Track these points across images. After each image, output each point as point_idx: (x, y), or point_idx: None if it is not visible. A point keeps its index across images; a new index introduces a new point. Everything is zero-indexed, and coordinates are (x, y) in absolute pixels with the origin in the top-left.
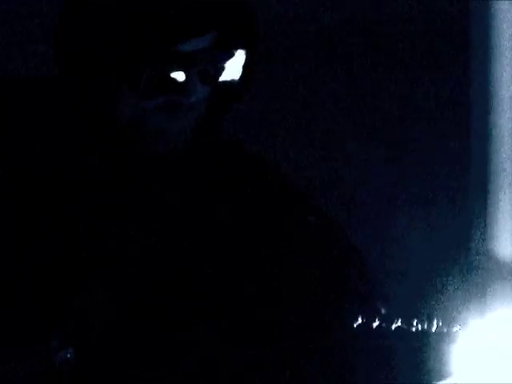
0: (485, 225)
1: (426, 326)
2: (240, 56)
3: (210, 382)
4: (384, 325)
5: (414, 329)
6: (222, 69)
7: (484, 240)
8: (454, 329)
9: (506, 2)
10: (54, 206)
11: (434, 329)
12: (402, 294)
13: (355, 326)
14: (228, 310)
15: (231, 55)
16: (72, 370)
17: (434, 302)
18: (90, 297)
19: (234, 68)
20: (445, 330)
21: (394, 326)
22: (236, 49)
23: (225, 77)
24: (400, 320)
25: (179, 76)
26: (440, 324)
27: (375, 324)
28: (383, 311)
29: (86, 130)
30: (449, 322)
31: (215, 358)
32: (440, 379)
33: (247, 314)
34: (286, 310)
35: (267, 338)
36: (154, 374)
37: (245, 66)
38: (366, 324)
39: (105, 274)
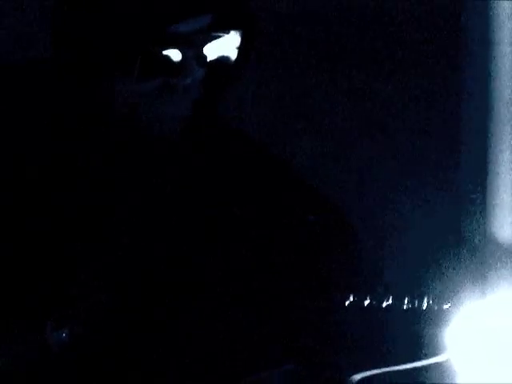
0: (484, 207)
1: (417, 304)
2: (235, 38)
3: (209, 363)
4: (374, 303)
5: (404, 306)
6: (218, 50)
7: (483, 222)
8: (447, 307)
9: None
10: (50, 190)
11: (425, 307)
12: (399, 276)
13: (346, 303)
14: (227, 287)
15: (226, 37)
16: (67, 351)
17: (429, 281)
18: (87, 277)
19: (229, 50)
20: (437, 308)
21: (384, 304)
22: (231, 30)
23: (220, 58)
24: (390, 298)
25: (175, 57)
26: (432, 302)
27: (366, 302)
28: (378, 290)
29: (82, 112)
30: (442, 300)
31: (215, 338)
32: (432, 357)
33: (245, 290)
34: (283, 288)
35: (265, 314)
36: (151, 355)
37: (240, 48)
38: (358, 302)
39: (102, 255)
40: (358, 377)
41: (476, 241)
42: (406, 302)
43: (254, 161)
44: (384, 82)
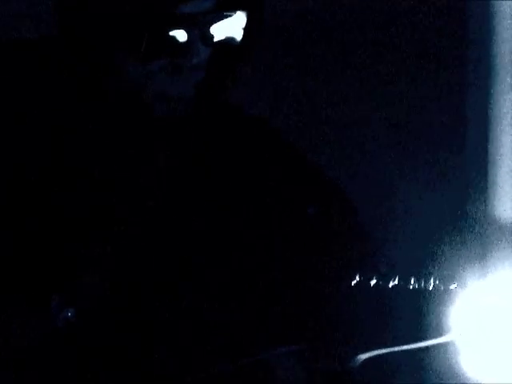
0: (485, 186)
1: (423, 285)
2: (241, 18)
3: (209, 343)
4: (381, 283)
5: (411, 287)
6: (223, 31)
7: (484, 202)
8: (452, 287)
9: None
10: (54, 170)
11: (431, 287)
12: (401, 255)
13: (353, 284)
14: (227, 271)
15: (232, 17)
16: (72, 330)
17: (433, 262)
18: (92, 256)
19: (234, 30)
20: (442, 289)
21: (391, 284)
22: (237, 11)
23: (226, 39)
24: (397, 278)
25: (181, 37)
26: (437, 283)
27: (373, 282)
28: (383, 270)
29: (87, 91)
30: (447, 281)
31: (216, 319)
32: (437, 337)
33: (245, 275)
34: (285, 269)
35: (266, 298)
36: (153, 334)
37: (246, 29)
38: (364, 282)
39: (106, 234)
40: (363, 356)
41: (478, 221)
42: (412, 282)
43: (257, 144)
44: (387, 65)
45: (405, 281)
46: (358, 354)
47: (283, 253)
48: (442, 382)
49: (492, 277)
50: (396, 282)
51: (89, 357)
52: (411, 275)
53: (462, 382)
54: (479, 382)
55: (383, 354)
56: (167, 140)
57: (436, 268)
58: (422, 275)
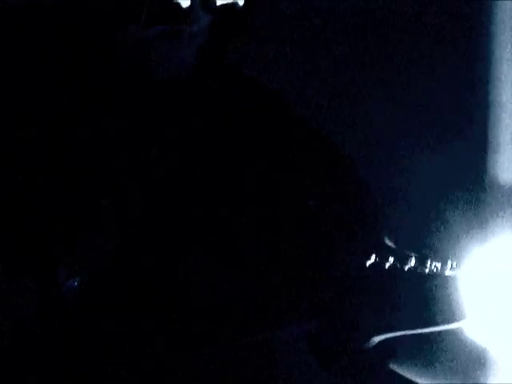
0: (486, 155)
1: (440, 268)
2: None
3: (227, 320)
4: (398, 265)
5: (427, 270)
6: None
7: (487, 171)
8: (464, 272)
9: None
10: (58, 135)
11: (447, 271)
12: (406, 226)
13: (367, 265)
14: (232, 239)
15: None
16: (77, 298)
17: (439, 236)
18: (99, 224)
19: None
20: (458, 273)
21: (407, 267)
22: None
23: (226, 6)
24: (414, 261)
25: (182, 3)
26: (454, 266)
27: (388, 264)
28: (394, 248)
29: (88, 58)
30: (461, 265)
31: (234, 294)
32: (449, 321)
33: (254, 254)
34: (295, 250)
35: (276, 279)
36: (158, 303)
37: None
38: (379, 264)
39: (112, 201)
40: (377, 339)
41: (480, 190)
42: (428, 265)
43: (259, 109)
44: (390, 25)
45: (421, 264)
46: (371, 337)
47: (293, 231)
48: (454, 365)
49: (496, 246)
50: (412, 264)
51: (93, 326)
52: (428, 258)
53: (473, 364)
54: (490, 363)
55: (397, 337)
56: (169, 105)
57: (441, 242)
58: (440, 259)
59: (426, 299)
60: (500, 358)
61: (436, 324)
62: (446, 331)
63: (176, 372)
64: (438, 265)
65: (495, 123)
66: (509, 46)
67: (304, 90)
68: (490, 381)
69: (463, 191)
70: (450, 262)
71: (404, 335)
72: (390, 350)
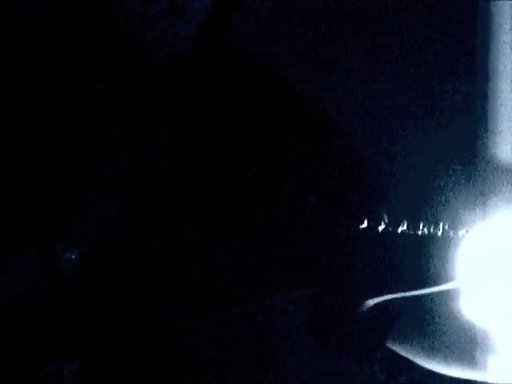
0: (487, 130)
1: (431, 230)
2: None
3: (223, 286)
4: (390, 228)
5: (419, 232)
6: None
7: (487, 145)
8: (459, 233)
9: None
10: (61, 113)
11: (439, 233)
12: (405, 198)
13: (361, 228)
14: (234, 215)
15: None
16: (75, 272)
17: (438, 206)
18: (97, 199)
19: None
20: (450, 234)
21: (399, 230)
22: None
23: None
24: (406, 224)
25: None
26: (446, 228)
27: (381, 227)
28: (388, 215)
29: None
30: (453, 226)
31: (221, 264)
32: (443, 283)
33: (252, 218)
34: (292, 215)
35: (272, 244)
36: (155, 275)
37: None
38: (372, 227)
39: (111, 178)
40: (372, 302)
41: (480, 164)
42: (420, 227)
43: (261, 87)
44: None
45: (414, 226)
46: (367, 299)
47: (289, 196)
48: (447, 327)
49: (495, 219)
50: (405, 227)
51: (92, 298)
52: (419, 221)
53: (467, 326)
54: (483, 326)
55: (391, 300)
56: (168, 85)
57: (441, 213)
58: (432, 221)
59: (418, 261)
60: (494, 323)
61: (430, 285)
62: (441, 299)
63: (173, 342)
64: (431, 228)
65: (495, 99)
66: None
67: (299, 64)
68: (485, 351)
69: (461, 166)
70: (441, 225)
71: (397, 298)
72: (385, 320)
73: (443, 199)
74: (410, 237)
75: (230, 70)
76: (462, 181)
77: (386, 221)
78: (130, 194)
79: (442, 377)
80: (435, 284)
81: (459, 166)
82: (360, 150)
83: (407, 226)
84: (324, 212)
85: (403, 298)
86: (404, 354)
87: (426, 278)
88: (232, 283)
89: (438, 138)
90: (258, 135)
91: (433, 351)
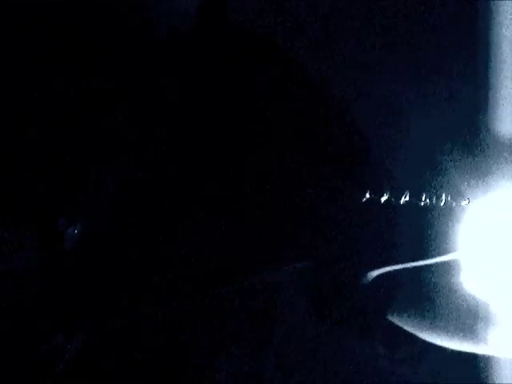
0: (488, 103)
1: (433, 202)
2: None
3: (222, 261)
4: (392, 200)
5: (421, 204)
6: None
7: (488, 118)
8: (461, 205)
9: None
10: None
11: (441, 204)
12: (407, 170)
13: (363, 200)
14: (232, 189)
15: None
16: (77, 246)
17: (440, 178)
18: (100, 172)
19: None
20: (452, 206)
21: (401, 201)
22: None
23: None
24: (408, 195)
25: None
26: (448, 200)
27: (383, 198)
28: (390, 187)
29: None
30: (456, 198)
31: (228, 234)
32: (445, 254)
33: (250, 189)
34: (292, 185)
35: (272, 215)
36: (158, 252)
37: None
38: (375, 198)
39: (113, 155)
40: (374, 273)
41: (481, 136)
42: (422, 199)
43: (261, 62)
44: None
45: (416, 197)
46: (369, 271)
47: (288, 166)
48: (448, 300)
49: (497, 191)
50: (407, 198)
51: (94, 274)
52: (421, 192)
53: (468, 299)
54: (484, 299)
55: (393, 271)
56: (169, 63)
57: (444, 184)
58: (434, 191)
59: (421, 232)
60: (497, 302)
61: (431, 257)
62: (443, 271)
63: (174, 316)
64: (433, 199)
65: (497, 73)
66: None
67: (300, 37)
68: (486, 324)
69: (462, 139)
70: (444, 196)
71: (400, 276)
72: (386, 293)
73: (446, 171)
74: (412, 208)
75: (230, 45)
76: (465, 153)
77: (388, 192)
78: (131, 168)
79: (443, 350)
80: (437, 255)
81: (462, 137)
82: (361, 123)
83: (409, 198)
84: (325, 185)
85: (404, 269)
86: (405, 327)
87: (428, 249)
88: (232, 257)
89: (440, 109)
90: (260, 111)
91: (434, 324)
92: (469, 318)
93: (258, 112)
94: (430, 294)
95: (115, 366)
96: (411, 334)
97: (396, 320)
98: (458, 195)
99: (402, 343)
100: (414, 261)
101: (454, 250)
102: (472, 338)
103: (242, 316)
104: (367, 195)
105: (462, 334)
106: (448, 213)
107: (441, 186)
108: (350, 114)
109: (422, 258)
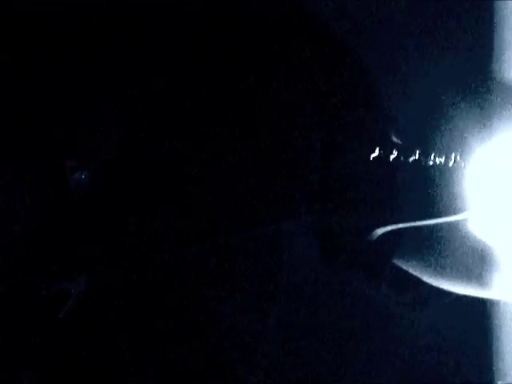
0: (491, 53)
1: (442, 160)
2: None
3: (218, 213)
4: (401, 157)
5: (430, 162)
6: None
7: (491, 69)
8: (470, 163)
9: None
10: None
11: (450, 163)
12: (417, 127)
13: (372, 157)
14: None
15: None
16: (85, 191)
17: (449, 136)
18: (106, 117)
19: None
20: (461, 164)
21: (410, 159)
22: None
23: None
24: (417, 153)
25: None
26: (457, 158)
27: (392, 156)
28: (399, 144)
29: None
30: (464, 155)
31: (227, 188)
32: (453, 213)
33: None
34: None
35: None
36: (162, 196)
37: None
38: (383, 156)
39: (114, 118)
40: (380, 231)
41: (482, 85)
42: (431, 158)
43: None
44: None
45: (425, 156)
46: (375, 229)
47: (299, 120)
48: (455, 245)
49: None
50: (416, 157)
51: (99, 221)
52: (430, 150)
53: (474, 244)
54: (490, 245)
55: (400, 229)
56: (167, 17)
57: (451, 142)
58: (444, 150)
59: (429, 191)
60: (501, 252)
61: (439, 216)
62: (450, 225)
63: (178, 270)
64: (442, 157)
65: (500, 21)
66: None
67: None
68: (491, 275)
69: (467, 89)
70: (453, 155)
71: (408, 228)
72: (393, 243)
73: (455, 130)
74: (421, 166)
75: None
76: (475, 111)
77: (397, 149)
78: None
79: (448, 294)
80: (445, 214)
81: (464, 89)
82: (371, 82)
83: (418, 156)
84: (335, 139)
85: (412, 227)
86: (411, 271)
87: (436, 207)
88: (241, 209)
89: (448, 69)
90: (270, 64)
91: (440, 269)
92: (474, 263)
93: (268, 63)
94: (436, 241)
95: (115, 315)
96: (417, 277)
97: (403, 264)
98: (466, 154)
99: (409, 287)
100: (422, 219)
101: (463, 209)
102: (478, 283)
103: (251, 267)
104: (377, 152)
105: (467, 279)
106: (457, 171)
107: (450, 145)
108: (360, 69)
109: (431, 217)
